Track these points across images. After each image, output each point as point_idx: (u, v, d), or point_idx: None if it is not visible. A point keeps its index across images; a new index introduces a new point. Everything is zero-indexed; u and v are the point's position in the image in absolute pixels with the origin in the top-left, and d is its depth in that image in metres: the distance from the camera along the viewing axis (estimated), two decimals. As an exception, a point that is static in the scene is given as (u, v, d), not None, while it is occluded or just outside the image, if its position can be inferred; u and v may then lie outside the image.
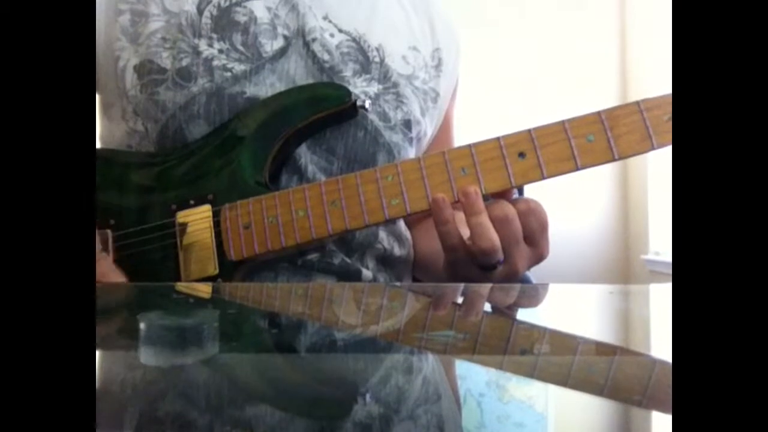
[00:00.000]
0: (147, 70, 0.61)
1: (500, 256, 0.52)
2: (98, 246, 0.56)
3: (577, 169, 0.52)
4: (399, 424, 0.19)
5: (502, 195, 0.53)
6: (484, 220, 0.51)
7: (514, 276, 0.54)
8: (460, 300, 0.47)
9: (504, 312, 0.41)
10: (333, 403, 0.21)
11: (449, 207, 0.52)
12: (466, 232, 0.53)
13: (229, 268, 0.57)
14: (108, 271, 0.54)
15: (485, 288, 0.50)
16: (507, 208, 0.51)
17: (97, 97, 0.68)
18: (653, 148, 0.51)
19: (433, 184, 0.53)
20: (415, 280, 0.76)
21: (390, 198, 0.54)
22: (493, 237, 0.51)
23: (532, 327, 0.35)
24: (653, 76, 2.49)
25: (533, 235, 0.52)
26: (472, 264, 0.53)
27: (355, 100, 0.60)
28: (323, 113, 0.60)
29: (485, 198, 0.53)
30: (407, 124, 0.67)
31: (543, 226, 0.53)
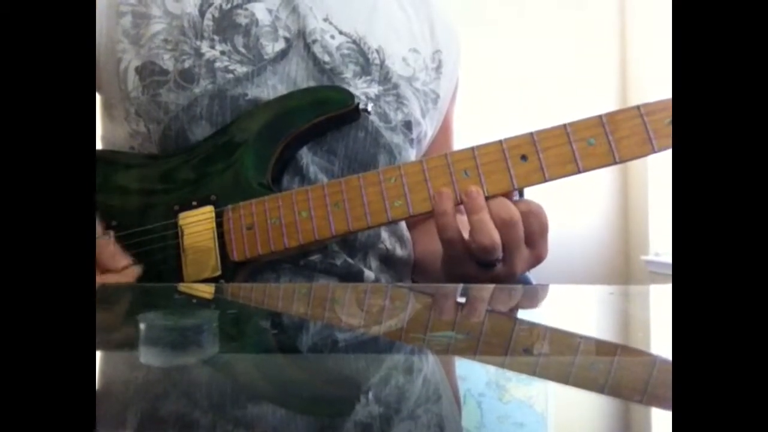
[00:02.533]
0: (149, 71, 0.61)
1: (499, 253, 0.52)
2: (102, 229, 0.56)
3: (579, 172, 0.52)
4: (399, 424, 0.19)
5: (504, 197, 0.53)
6: (485, 216, 0.51)
7: (511, 276, 0.54)
8: (461, 300, 0.47)
9: (505, 313, 0.41)
10: (334, 402, 0.21)
11: (451, 200, 0.52)
12: (466, 235, 0.53)
13: (232, 269, 0.57)
14: (113, 253, 0.55)
15: (486, 289, 0.50)
16: (511, 211, 0.51)
17: (100, 98, 0.68)
18: (654, 152, 0.51)
19: (435, 185, 0.53)
20: (412, 281, 0.76)
21: (393, 200, 0.54)
22: (493, 234, 0.51)
23: (533, 327, 0.35)
24: (653, 77, 2.49)
25: (533, 237, 0.53)
26: (470, 260, 0.53)
27: (358, 104, 0.61)
28: (326, 116, 0.60)
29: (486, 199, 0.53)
30: (408, 125, 0.67)
31: (543, 229, 0.53)
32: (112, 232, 0.58)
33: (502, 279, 0.54)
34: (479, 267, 0.53)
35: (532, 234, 0.52)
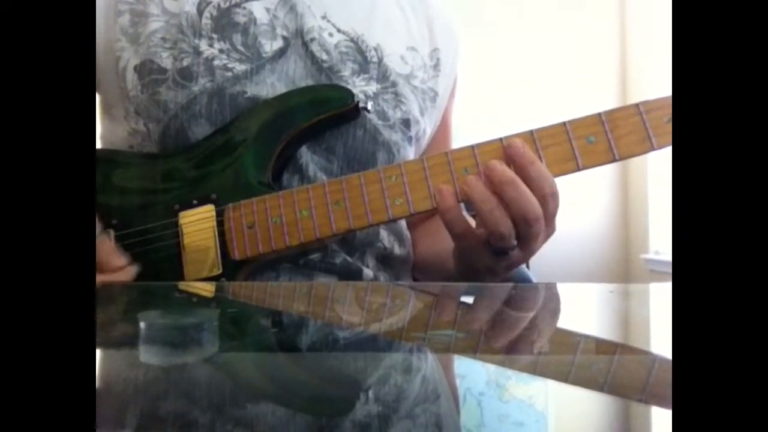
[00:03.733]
0: (148, 70, 0.61)
1: (513, 240, 0.51)
2: (98, 229, 0.56)
3: (579, 169, 0.52)
4: (398, 423, 0.19)
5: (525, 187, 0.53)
6: (493, 204, 0.50)
7: (526, 259, 0.54)
8: (461, 299, 0.47)
9: (505, 311, 0.41)
10: (334, 401, 0.21)
11: (452, 196, 0.52)
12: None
13: (232, 268, 0.57)
14: (109, 253, 0.55)
15: (487, 288, 0.50)
16: (537, 211, 0.50)
17: (99, 97, 0.68)
18: (653, 149, 0.51)
19: (436, 183, 0.53)
20: (414, 280, 0.76)
21: (394, 198, 0.54)
22: (506, 221, 0.50)
23: (533, 325, 0.35)
24: (653, 76, 2.48)
25: (549, 219, 0.52)
26: (483, 250, 0.53)
27: (358, 102, 0.61)
28: (326, 115, 0.60)
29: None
30: (406, 123, 0.67)
31: (557, 208, 0.52)
32: (112, 231, 0.58)
33: (517, 264, 0.54)
34: (494, 255, 0.53)
35: (549, 217, 0.52)
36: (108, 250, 0.55)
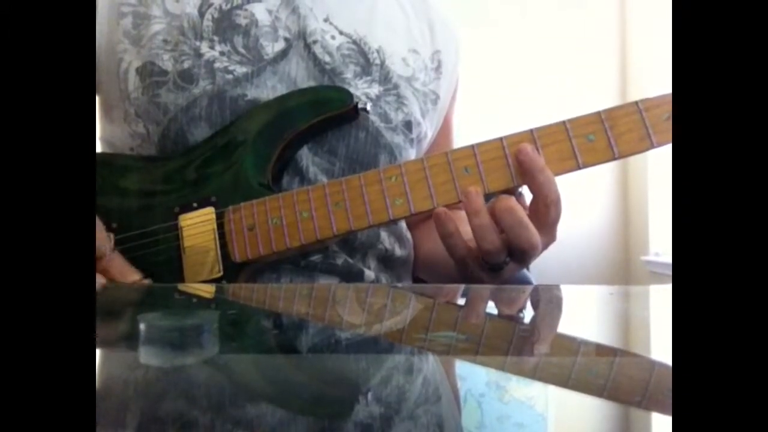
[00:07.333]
0: (149, 72, 0.61)
1: (504, 255, 0.52)
2: (110, 245, 0.56)
3: (579, 168, 0.52)
4: (399, 425, 0.19)
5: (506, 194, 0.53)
6: (484, 220, 0.51)
7: (528, 261, 0.54)
8: (462, 301, 0.47)
9: (505, 313, 0.41)
10: (334, 403, 0.21)
11: (452, 219, 0.52)
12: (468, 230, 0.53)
13: (233, 270, 0.57)
14: (123, 268, 0.54)
15: (487, 289, 0.50)
16: (533, 240, 0.51)
17: (99, 99, 0.68)
18: (653, 147, 0.51)
19: (436, 183, 0.53)
20: (416, 280, 0.76)
21: (394, 198, 0.54)
22: (494, 238, 0.51)
23: (534, 328, 0.35)
24: (653, 76, 2.48)
25: (550, 227, 0.52)
26: (480, 266, 0.53)
27: (357, 103, 0.61)
28: (325, 116, 0.60)
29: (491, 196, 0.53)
30: (408, 125, 0.67)
31: (558, 217, 0.52)
32: (111, 234, 0.58)
33: (513, 274, 0.54)
34: (487, 271, 0.53)
35: (551, 224, 0.52)
36: (120, 265, 0.54)
